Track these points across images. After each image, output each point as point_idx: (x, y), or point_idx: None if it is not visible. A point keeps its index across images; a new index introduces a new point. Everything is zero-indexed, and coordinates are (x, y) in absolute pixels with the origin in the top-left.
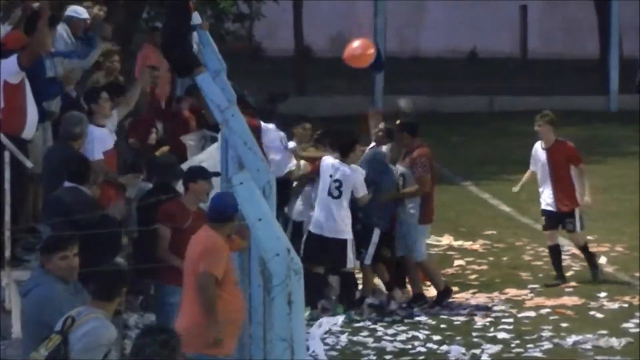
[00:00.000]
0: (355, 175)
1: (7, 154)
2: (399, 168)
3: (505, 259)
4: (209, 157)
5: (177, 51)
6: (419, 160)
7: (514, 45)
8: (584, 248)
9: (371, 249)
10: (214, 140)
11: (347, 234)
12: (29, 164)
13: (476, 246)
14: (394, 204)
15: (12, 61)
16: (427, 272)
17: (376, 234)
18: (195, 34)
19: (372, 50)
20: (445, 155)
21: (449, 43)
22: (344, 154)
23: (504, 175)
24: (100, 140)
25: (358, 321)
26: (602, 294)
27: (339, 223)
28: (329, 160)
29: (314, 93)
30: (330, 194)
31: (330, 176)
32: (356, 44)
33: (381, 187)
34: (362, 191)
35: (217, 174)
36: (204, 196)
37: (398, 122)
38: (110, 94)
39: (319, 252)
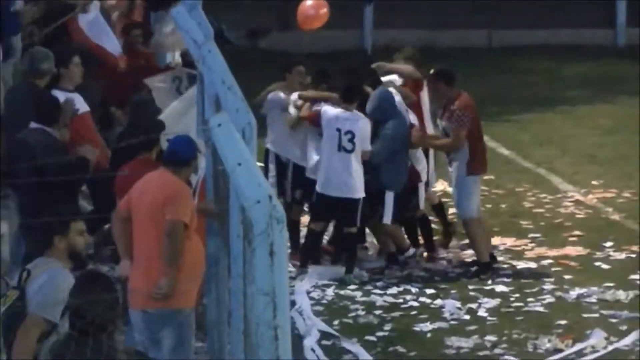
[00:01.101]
0: (366, 124)
1: None
2: (440, 123)
3: (504, 206)
4: (188, 105)
5: None
6: (456, 112)
7: None
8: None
9: (387, 211)
10: (191, 79)
11: (360, 192)
12: None
13: None
14: (407, 161)
15: None
16: (469, 234)
17: (389, 197)
18: None
19: (325, 10)
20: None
21: None
22: (350, 100)
23: (505, 116)
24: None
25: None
26: (608, 244)
27: (355, 180)
28: (332, 112)
29: (297, 27)
30: (342, 148)
31: (338, 129)
32: (309, 2)
33: (389, 134)
34: (368, 146)
35: None
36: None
37: (432, 70)
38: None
39: (330, 213)
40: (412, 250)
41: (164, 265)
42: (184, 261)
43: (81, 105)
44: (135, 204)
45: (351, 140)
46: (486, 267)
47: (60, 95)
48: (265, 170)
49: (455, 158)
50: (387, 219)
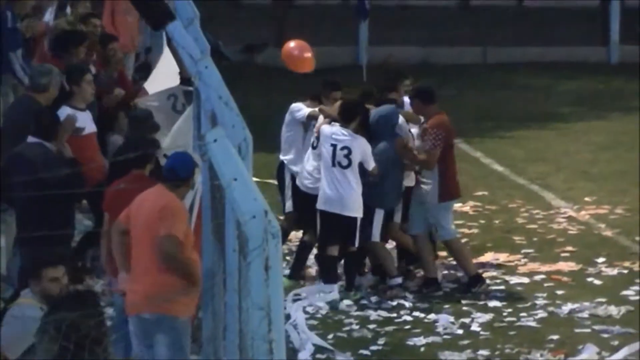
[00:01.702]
0: (364, 143)
1: None
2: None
3: (497, 221)
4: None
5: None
6: (428, 131)
7: None
8: None
9: (375, 229)
10: (187, 96)
11: (358, 211)
12: None
13: (466, 208)
14: (395, 182)
15: None
16: (454, 253)
17: (379, 215)
18: None
19: (309, 54)
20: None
21: None
22: (347, 119)
23: (499, 132)
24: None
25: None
26: (601, 260)
27: (350, 197)
28: (328, 129)
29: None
30: (337, 163)
31: (333, 145)
32: (292, 44)
33: (378, 153)
34: (372, 163)
35: None
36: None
37: (411, 88)
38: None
39: (329, 230)
40: (398, 279)
41: (163, 274)
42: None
43: (89, 125)
44: (133, 217)
45: (347, 156)
46: (476, 280)
47: (70, 113)
48: (281, 183)
49: (425, 180)
50: (375, 237)
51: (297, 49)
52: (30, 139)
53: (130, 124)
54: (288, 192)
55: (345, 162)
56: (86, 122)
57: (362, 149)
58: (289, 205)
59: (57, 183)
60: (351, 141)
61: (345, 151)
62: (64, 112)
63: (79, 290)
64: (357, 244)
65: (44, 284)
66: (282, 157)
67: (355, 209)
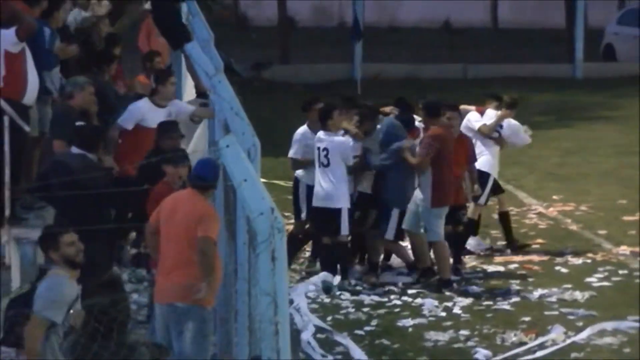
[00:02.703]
0: (340, 142)
1: (6, 119)
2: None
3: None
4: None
5: (168, 23)
6: (424, 140)
7: (486, 16)
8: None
9: (391, 227)
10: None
11: (341, 203)
12: (27, 128)
13: None
14: (412, 183)
15: (11, 33)
16: (436, 254)
17: (395, 214)
18: (184, 4)
19: None
20: None
21: (425, 13)
22: (322, 123)
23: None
24: (140, 114)
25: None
26: (567, 251)
27: (330, 191)
28: (318, 135)
29: (297, 61)
30: (320, 163)
31: (318, 148)
32: None
33: (393, 148)
34: (351, 159)
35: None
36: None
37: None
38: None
39: (320, 222)
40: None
41: (202, 275)
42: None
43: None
44: (165, 218)
45: (326, 156)
46: (447, 283)
47: (145, 106)
48: (296, 200)
49: (421, 184)
50: (390, 235)
51: None
52: (74, 149)
53: (157, 134)
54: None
55: (325, 161)
56: (161, 118)
57: (339, 149)
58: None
59: (93, 189)
60: (329, 142)
61: (325, 152)
62: (140, 105)
63: (112, 276)
64: (345, 232)
65: (62, 249)
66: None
67: (338, 201)
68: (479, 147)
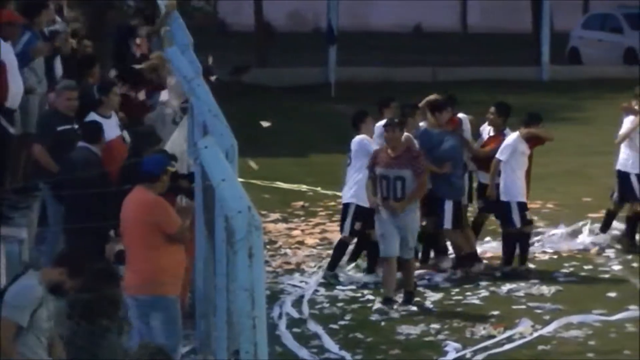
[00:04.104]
0: (358, 140)
1: None
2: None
3: None
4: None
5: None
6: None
7: (455, 21)
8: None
9: (447, 218)
10: (184, 110)
11: (350, 199)
12: (11, 130)
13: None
14: (463, 174)
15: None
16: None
17: (448, 205)
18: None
19: None
20: None
21: (397, 18)
22: (355, 126)
23: None
24: None
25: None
26: (535, 248)
27: (348, 188)
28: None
29: (274, 65)
30: (348, 164)
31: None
32: None
33: (436, 158)
34: (361, 157)
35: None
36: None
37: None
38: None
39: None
40: (480, 265)
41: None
42: (168, 261)
43: (114, 130)
44: (124, 216)
45: (349, 156)
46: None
47: (97, 119)
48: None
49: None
50: (448, 224)
51: None
52: (80, 143)
53: (135, 139)
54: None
55: (348, 161)
56: (112, 127)
57: (355, 147)
58: None
59: (96, 180)
60: (352, 143)
61: (350, 152)
62: (92, 118)
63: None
64: (344, 231)
65: (54, 276)
66: None
67: (348, 197)
68: None
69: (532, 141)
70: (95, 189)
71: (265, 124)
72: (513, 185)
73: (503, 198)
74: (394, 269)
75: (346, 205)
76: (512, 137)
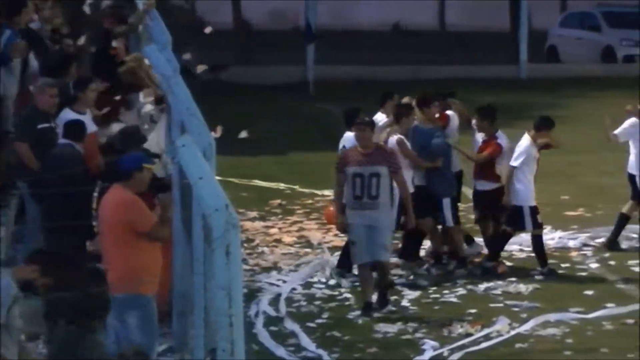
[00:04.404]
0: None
1: None
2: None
3: None
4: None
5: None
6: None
7: (434, 19)
8: None
9: (447, 214)
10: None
11: None
12: None
13: None
14: (451, 171)
15: None
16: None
17: (446, 202)
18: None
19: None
20: None
21: (376, 17)
22: (347, 124)
23: None
24: None
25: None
26: (513, 246)
27: None
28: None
29: (253, 63)
30: None
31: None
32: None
33: (430, 156)
34: None
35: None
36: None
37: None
38: None
39: None
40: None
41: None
42: (144, 259)
43: (90, 126)
44: (100, 216)
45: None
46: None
47: (72, 116)
48: None
49: None
50: (450, 222)
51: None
52: (62, 140)
53: (119, 139)
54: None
55: None
56: (87, 123)
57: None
58: None
59: (79, 178)
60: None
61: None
62: (66, 115)
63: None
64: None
65: (26, 274)
66: None
67: None
68: None
69: (541, 146)
70: (80, 187)
71: (243, 134)
72: (526, 190)
73: (515, 202)
74: (369, 275)
75: None
76: (524, 142)
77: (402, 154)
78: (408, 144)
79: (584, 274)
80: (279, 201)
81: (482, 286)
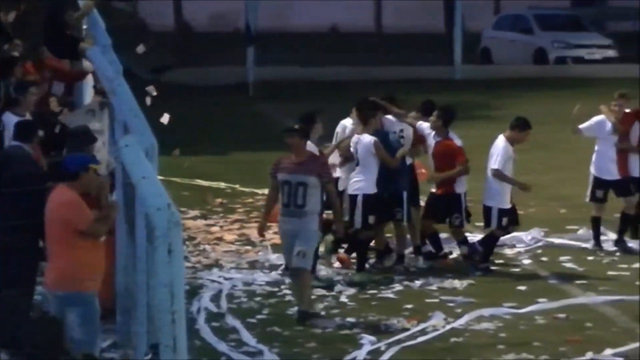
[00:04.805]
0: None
1: None
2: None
3: None
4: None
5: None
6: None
7: (370, 21)
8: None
9: (406, 207)
10: (104, 108)
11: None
12: None
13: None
14: (403, 168)
15: None
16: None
17: (405, 196)
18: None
19: None
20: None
21: (314, 19)
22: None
23: None
24: (8, 130)
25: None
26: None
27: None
28: None
29: (194, 65)
30: None
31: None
32: None
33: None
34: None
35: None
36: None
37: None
38: None
39: None
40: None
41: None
42: (86, 257)
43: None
44: (45, 215)
45: None
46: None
47: (13, 119)
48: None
49: None
50: (407, 216)
51: None
52: (13, 142)
53: (69, 139)
54: None
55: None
56: None
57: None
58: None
59: (29, 179)
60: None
61: None
62: (8, 118)
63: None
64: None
65: None
66: None
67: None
68: None
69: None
70: (30, 187)
71: (165, 118)
72: (501, 192)
73: (486, 202)
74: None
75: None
76: (500, 143)
77: (378, 155)
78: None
79: (517, 270)
80: (220, 200)
81: (418, 282)
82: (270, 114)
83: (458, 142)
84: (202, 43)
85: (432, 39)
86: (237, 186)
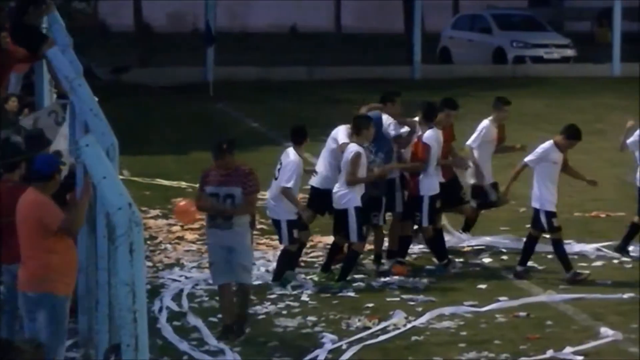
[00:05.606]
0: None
1: None
2: None
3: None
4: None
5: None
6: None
7: (330, 22)
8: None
9: (383, 213)
10: (65, 108)
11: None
12: None
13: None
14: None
15: None
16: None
17: (383, 201)
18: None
19: (194, 208)
20: (273, 120)
21: (273, 19)
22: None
23: (322, 137)
24: None
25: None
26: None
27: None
28: None
29: (154, 65)
30: None
31: None
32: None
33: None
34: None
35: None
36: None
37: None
38: None
39: None
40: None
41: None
42: (57, 259)
43: None
44: (16, 217)
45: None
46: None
47: None
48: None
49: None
50: (381, 220)
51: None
52: None
53: (25, 143)
54: None
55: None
56: None
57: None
58: None
59: None
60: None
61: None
62: None
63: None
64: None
65: None
66: None
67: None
68: None
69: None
70: None
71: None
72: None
73: (534, 205)
74: (229, 296)
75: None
76: (547, 144)
77: (348, 168)
78: (364, 157)
79: (477, 269)
80: (181, 199)
81: (380, 281)
82: (231, 114)
83: (432, 141)
84: (162, 43)
85: (391, 39)
86: (197, 185)
